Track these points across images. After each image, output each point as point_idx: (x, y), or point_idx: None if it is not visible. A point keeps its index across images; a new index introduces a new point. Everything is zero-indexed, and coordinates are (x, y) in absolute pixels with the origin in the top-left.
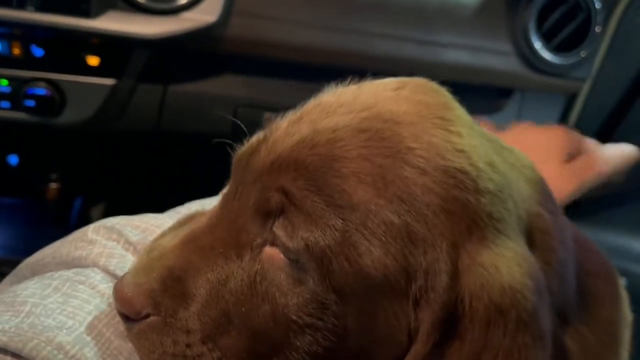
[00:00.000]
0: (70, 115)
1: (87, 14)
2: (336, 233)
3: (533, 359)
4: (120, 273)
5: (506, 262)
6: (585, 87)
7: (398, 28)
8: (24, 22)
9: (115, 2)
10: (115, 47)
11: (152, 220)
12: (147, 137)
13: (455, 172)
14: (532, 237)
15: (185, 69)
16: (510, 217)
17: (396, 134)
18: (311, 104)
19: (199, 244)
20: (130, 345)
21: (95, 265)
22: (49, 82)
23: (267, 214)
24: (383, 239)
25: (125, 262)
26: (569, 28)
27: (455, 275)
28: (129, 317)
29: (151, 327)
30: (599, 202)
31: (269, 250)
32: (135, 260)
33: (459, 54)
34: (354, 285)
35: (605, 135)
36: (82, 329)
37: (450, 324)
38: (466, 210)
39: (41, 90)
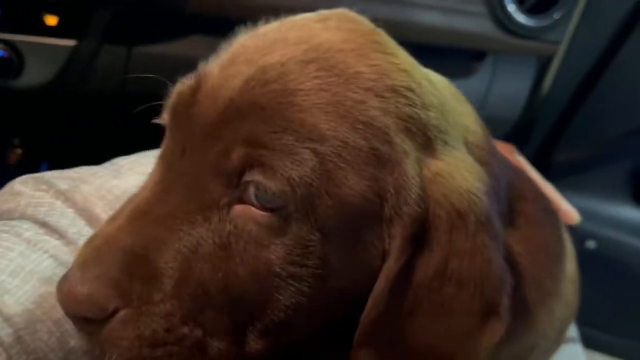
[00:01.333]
0: (29, 77)
1: None
2: (315, 166)
3: (493, 259)
4: (50, 220)
5: (458, 170)
6: (560, 52)
7: None
8: None
9: None
10: (75, 6)
11: (84, 170)
12: (113, 100)
13: (403, 90)
14: (469, 150)
15: (150, 29)
16: (452, 129)
17: (342, 61)
18: (234, 47)
19: (155, 216)
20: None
21: (22, 216)
22: (5, 43)
23: (232, 171)
24: (355, 166)
25: (54, 209)
26: None
27: (421, 188)
28: (89, 320)
29: (123, 323)
30: (570, 167)
31: (239, 208)
32: (75, 256)
33: (431, 14)
34: (335, 218)
35: (578, 101)
36: (3, 276)
37: (419, 237)
38: (419, 125)
39: None
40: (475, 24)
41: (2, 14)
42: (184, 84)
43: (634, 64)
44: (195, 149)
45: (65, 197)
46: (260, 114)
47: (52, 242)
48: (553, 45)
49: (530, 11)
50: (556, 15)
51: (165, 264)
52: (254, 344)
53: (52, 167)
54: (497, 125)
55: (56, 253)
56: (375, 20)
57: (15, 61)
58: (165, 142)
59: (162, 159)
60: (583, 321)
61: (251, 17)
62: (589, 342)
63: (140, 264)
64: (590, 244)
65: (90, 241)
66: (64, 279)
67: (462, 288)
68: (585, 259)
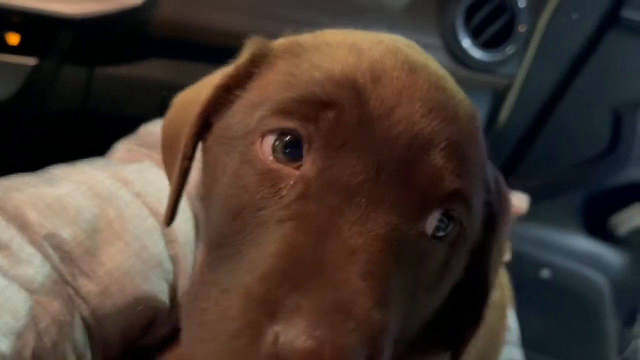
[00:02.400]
0: None
1: None
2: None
3: None
4: None
5: None
6: (516, 85)
7: (329, 17)
8: None
9: None
10: (37, 26)
11: (18, 178)
12: (73, 120)
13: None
14: None
15: (112, 51)
16: None
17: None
18: (356, 61)
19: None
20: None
21: None
22: None
23: (440, 201)
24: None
25: None
26: (494, 26)
27: None
28: None
29: None
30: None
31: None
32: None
33: None
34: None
35: (533, 133)
36: None
37: None
38: None
39: None
40: (432, 57)
41: None
42: (334, 95)
43: (586, 98)
44: (394, 171)
45: None
46: (462, 162)
47: None
48: (507, 78)
49: (484, 46)
50: (509, 50)
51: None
52: None
53: None
54: None
55: None
56: None
57: None
58: (322, 156)
59: (333, 174)
60: (535, 347)
61: (212, 41)
62: None
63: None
64: (545, 273)
65: (307, 284)
66: (305, 337)
67: None
68: (540, 287)
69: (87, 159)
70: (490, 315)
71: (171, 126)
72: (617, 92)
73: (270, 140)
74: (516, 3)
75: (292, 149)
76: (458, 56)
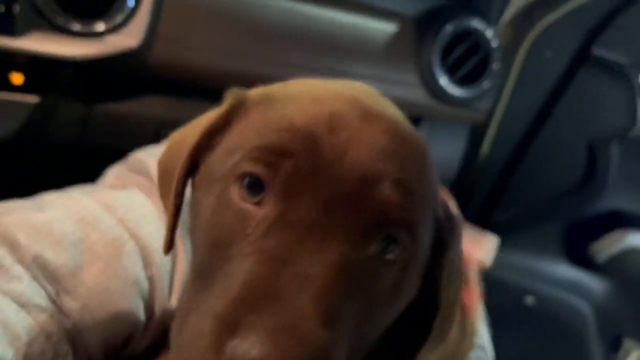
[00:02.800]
0: None
1: (12, 33)
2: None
3: None
4: None
5: None
6: (495, 119)
7: (312, 58)
8: None
9: (40, 23)
10: (40, 66)
11: (8, 204)
12: (71, 153)
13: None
14: None
15: (110, 89)
16: None
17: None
18: (313, 111)
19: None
20: None
21: None
22: None
23: (383, 229)
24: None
25: None
26: (469, 64)
27: None
28: None
29: None
30: (508, 226)
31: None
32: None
33: (369, 84)
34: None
35: (514, 165)
36: None
37: None
38: None
39: None
40: (410, 93)
41: None
42: (291, 146)
43: (561, 132)
44: (343, 208)
45: None
46: (399, 186)
47: None
48: (483, 113)
49: (460, 82)
50: (485, 85)
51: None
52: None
53: None
54: None
55: None
56: None
57: None
58: (281, 198)
59: (290, 215)
60: None
61: (202, 80)
62: None
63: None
64: (529, 300)
65: (262, 307)
66: (255, 349)
67: None
68: (524, 314)
69: (78, 185)
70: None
71: (165, 165)
72: (590, 126)
73: (240, 183)
74: (489, 43)
75: (257, 192)
76: (436, 92)
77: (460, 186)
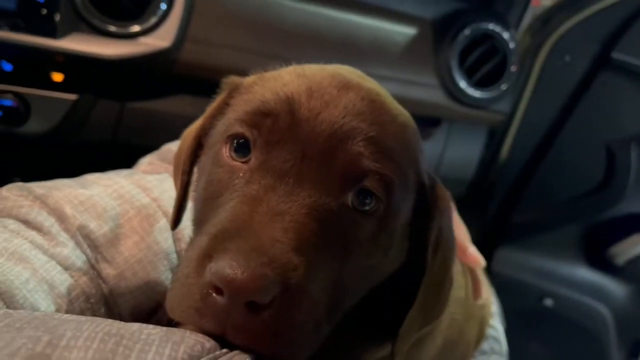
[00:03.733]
0: (34, 125)
1: (53, 34)
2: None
3: None
4: (29, 218)
5: None
6: (515, 123)
7: (332, 58)
8: None
9: (79, 25)
10: (78, 66)
11: (58, 181)
12: (103, 150)
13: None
14: None
15: (142, 88)
16: None
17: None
18: (297, 81)
19: (297, 208)
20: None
21: (9, 215)
22: (15, 94)
23: (355, 178)
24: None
25: (32, 209)
26: (487, 66)
27: None
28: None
29: (286, 309)
30: (527, 228)
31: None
32: (223, 248)
33: (389, 85)
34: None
35: (533, 167)
36: None
37: None
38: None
39: (8, 101)
40: (429, 95)
41: (14, 69)
42: (272, 107)
43: (580, 135)
44: (316, 158)
45: (41, 200)
46: (372, 142)
47: (30, 232)
48: (500, 114)
49: (478, 84)
50: (503, 87)
51: (308, 255)
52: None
53: None
54: (451, 185)
55: (33, 240)
56: None
57: (22, 111)
58: (263, 151)
59: (269, 163)
60: None
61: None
62: None
63: (291, 253)
64: (548, 302)
65: (238, 236)
66: (227, 267)
67: None
68: (543, 316)
69: (116, 170)
70: (455, 311)
71: (178, 150)
72: (609, 129)
73: (230, 144)
74: (507, 45)
75: (245, 153)
76: (454, 94)
77: (480, 187)
